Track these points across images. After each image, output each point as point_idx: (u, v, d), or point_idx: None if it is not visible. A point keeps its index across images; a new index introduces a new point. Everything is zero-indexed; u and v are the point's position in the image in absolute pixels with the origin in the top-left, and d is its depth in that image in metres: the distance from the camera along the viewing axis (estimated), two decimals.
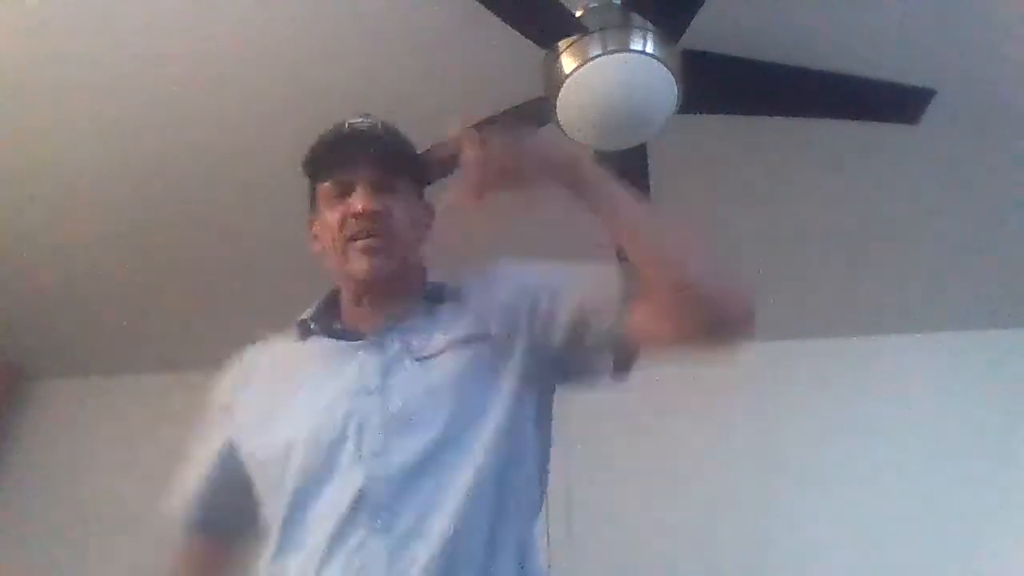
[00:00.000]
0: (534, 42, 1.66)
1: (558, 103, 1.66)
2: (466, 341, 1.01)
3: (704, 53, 1.68)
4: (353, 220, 1.06)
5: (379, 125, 1.16)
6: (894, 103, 1.77)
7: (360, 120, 1.16)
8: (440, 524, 0.87)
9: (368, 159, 1.10)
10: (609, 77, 1.61)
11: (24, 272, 2.83)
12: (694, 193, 2.36)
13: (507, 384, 0.99)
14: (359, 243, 1.06)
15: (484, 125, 1.82)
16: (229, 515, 1.10)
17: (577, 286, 1.04)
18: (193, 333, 3.18)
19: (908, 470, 2.69)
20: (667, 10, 1.59)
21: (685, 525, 2.65)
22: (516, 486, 0.95)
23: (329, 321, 1.12)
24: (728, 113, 1.87)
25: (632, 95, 1.63)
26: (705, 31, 1.65)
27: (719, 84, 1.72)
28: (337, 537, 0.89)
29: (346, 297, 1.13)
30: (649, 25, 1.60)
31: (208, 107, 2.10)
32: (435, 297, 1.10)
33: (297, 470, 0.95)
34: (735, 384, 2.94)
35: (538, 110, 1.74)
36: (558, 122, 1.70)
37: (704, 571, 2.59)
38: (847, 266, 2.66)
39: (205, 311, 3.03)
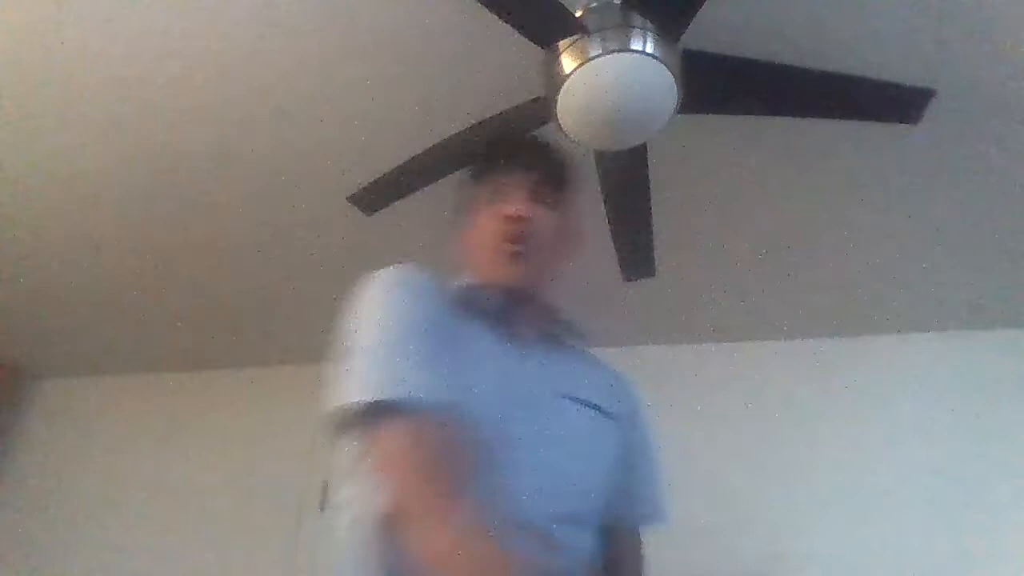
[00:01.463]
0: (534, 42, 1.65)
1: (558, 103, 1.65)
2: (603, 411, 1.10)
3: (704, 53, 1.68)
4: (506, 223, 1.10)
5: (541, 140, 1.21)
6: (894, 103, 1.76)
7: (525, 135, 1.22)
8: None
9: (530, 166, 1.14)
10: (609, 77, 1.60)
11: (24, 272, 2.83)
12: (694, 193, 2.36)
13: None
14: (505, 247, 1.09)
15: (484, 125, 1.83)
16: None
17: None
18: (193, 333, 3.19)
19: (907, 470, 2.69)
20: (667, 10, 1.59)
21: (685, 525, 2.65)
22: None
23: (482, 308, 1.10)
24: (728, 113, 1.87)
25: (632, 95, 1.63)
26: (705, 31, 1.65)
27: (719, 84, 1.72)
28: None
29: (495, 293, 1.11)
30: (649, 25, 1.60)
31: (208, 107, 2.11)
32: (570, 329, 1.17)
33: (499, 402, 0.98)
34: (735, 384, 2.95)
35: (538, 110, 1.74)
36: (558, 122, 1.70)
37: (704, 570, 2.59)
38: (847, 266, 2.66)
39: (205, 311, 3.03)
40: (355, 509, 0.96)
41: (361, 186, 2.03)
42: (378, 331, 0.97)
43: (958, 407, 2.77)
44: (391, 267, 1.06)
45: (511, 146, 1.19)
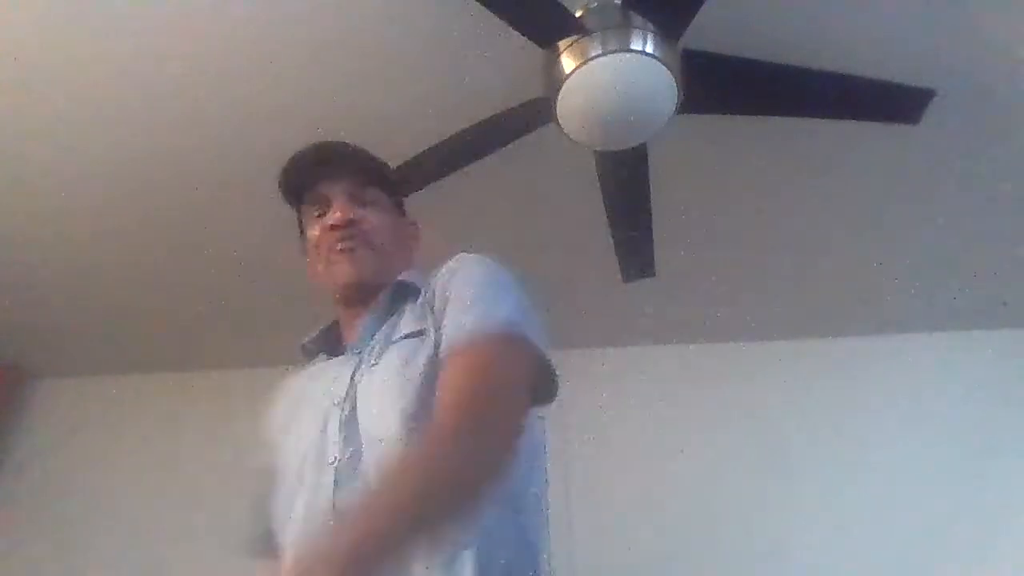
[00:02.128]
0: (534, 42, 1.66)
1: (558, 103, 1.66)
2: (405, 337, 1.00)
3: (704, 53, 1.68)
4: (332, 232, 1.10)
5: (345, 143, 1.17)
6: (894, 103, 1.77)
7: (324, 142, 1.18)
8: None
9: (338, 171, 1.13)
10: (609, 77, 1.61)
11: (24, 272, 2.83)
12: (694, 193, 2.36)
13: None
14: (334, 255, 1.09)
15: (484, 125, 1.83)
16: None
17: (463, 302, 0.99)
18: (193, 333, 3.19)
19: (907, 469, 2.69)
20: (667, 10, 1.59)
21: (684, 525, 2.65)
22: None
23: (330, 341, 1.15)
24: (728, 113, 1.87)
25: (632, 95, 1.63)
26: (705, 31, 1.65)
27: (719, 84, 1.72)
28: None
29: (341, 315, 1.15)
30: (649, 25, 1.60)
31: (208, 107, 2.10)
32: (399, 297, 1.09)
33: (283, 487, 0.99)
34: (735, 384, 2.95)
35: (538, 110, 1.74)
36: (558, 122, 1.70)
37: (703, 569, 2.59)
38: (847, 266, 2.66)
39: (205, 311, 3.03)
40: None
41: None
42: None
43: (958, 407, 2.77)
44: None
45: (315, 156, 1.16)
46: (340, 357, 1.08)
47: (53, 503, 3.23)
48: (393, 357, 0.98)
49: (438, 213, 2.44)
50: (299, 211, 1.19)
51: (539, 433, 1.03)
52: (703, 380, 2.96)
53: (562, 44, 1.62)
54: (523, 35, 1.62)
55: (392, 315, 1.07)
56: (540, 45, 1.66)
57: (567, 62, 1.61)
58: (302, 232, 1.19)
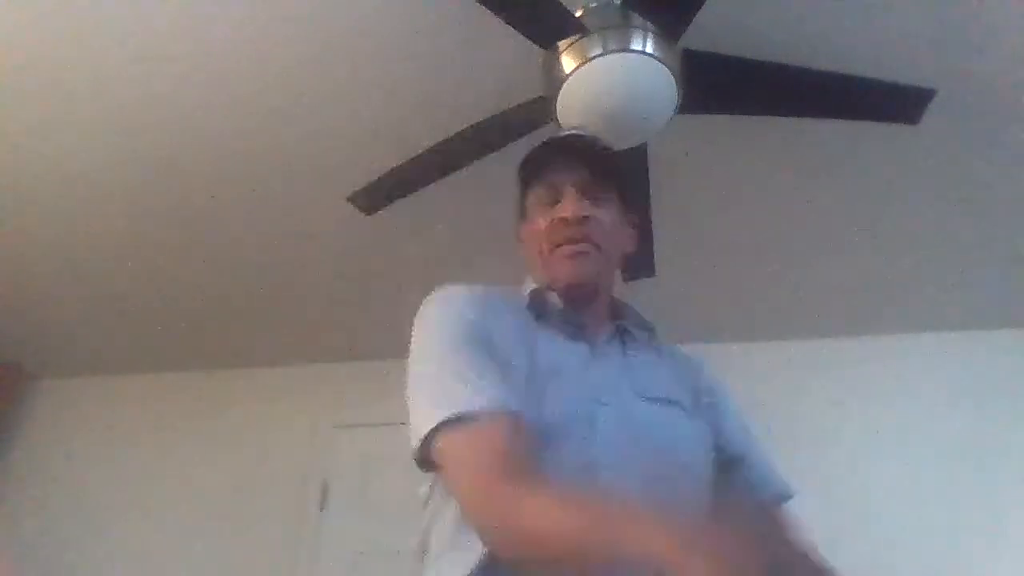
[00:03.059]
0: (534, 42, 1.66)
1: (558, 103, 1.65)
2: (681, 406, 1.06)
3: (704, 53, 1.68)
4: (561, 225, 1.08)
5: (591, 137, 1.17)
6: (894, 103, 1.77)
7: (573, 131, 1.18)
8: None
9: (578, 165, 1.11)
10: (609, 77, 1.61)
11: (24, 272, 2.83)
12: (694, 193, 2.36)
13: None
14: (565, 248, 1.08)
15: (484, 125, 1.83)
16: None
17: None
18: (193, 333, 3.19)
19: (907, 469, 2.69)
20: (667, 10, 1.59)
21: None
22: None
23: (550, 312, 1.08)
24: (728, 113, 1.87)
25: (632, 95, 1.63)
26: (705, 31, 1.65)
27: (719, 84, 1.72)
28: None
29: (556, 297, 1.11)
30: (649, 25, 1.60)
31: (208, 107, 2.10)
32: (638, 325, 1.16)
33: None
34: (735, 384, 2.95)
35: (538, 110, 1.74)
36: (558, 122, 1.70)
37: None
38: (847, 266, 2.66)
39: (205, 312, 3.03)
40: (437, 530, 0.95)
41: (361, 186, 2.03)
42: (425, 356, 0.98)
43: (958, 407, 2.77)
44: (437, 291, 1.07)
45: (559, 144, 1.16)
46: (587, 347, 1.05)
47: (53, 503, 3.23)
48: (678, 420, 1.04)
49: (438, 213, 2.45)
50: (525, 194, 1.19)
51: None
52: None
53: (562, 44, 1.62)
54: (523, 35, 1.62)
55: (636, 343, 1.12)
56: (540, 45, 1.66)
57: (567, 62, 1.61)
58: (522, 213, 1.20)
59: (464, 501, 0.87)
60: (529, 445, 0.87)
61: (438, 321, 1.00)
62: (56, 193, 2.43)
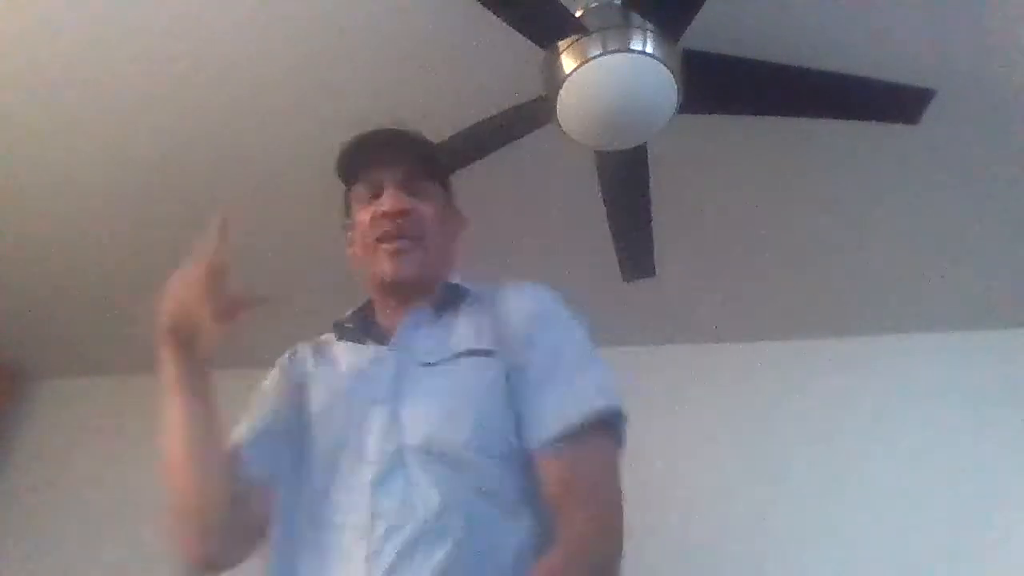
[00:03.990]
0: (534, 42, 1.66)
1: (558, 103, 1.66)
2: (472, 353, 1.00)
3: (704, 53, 1.68)
4: (383, 220, 1.08)
5: (406, 130, 1.18)
6: (894, 103, 1.77)
7: (388, 127, 1.17)
8: (456, 524, 0.87)
9: (396, 158, 1.12)
10: (609, 77, 1.61)
11: (24, 272, 2.83)
12: (694, 193, 2.36)
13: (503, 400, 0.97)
14: (387, 245, 1.07)
15: (484, 125, 1.83)
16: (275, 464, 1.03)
17: (556, 374, 0.98)
18: None
19: (907, 470, 2.68)
20: (667, 10, 1.59)
21: (682, 524, 2.65)
22: (515, 496, 0.93)
23: (364, 324, 1.12)
24: (728, 113, 1.87)
25: (632, 95, 1.63)
26: (705, 31, 1.65)
27: (719, 84, 1.72)
28: (353, 543, 0.89)
29: (377, 301, 1.13)
30: (649, 25, 1.60)
31: (208, 107, 2.10)
32: (449, 299, 1.09)
33: (314, 470, 0.97)
34: (735, 384, 2.95)
35: (538, 110, 1.74)
36: (558, 122, 1.71)
37: (701, 569, 2.59)
38: (847, 266, 2.66)
39: None
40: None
41: None
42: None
43: (958, 407, 2.77)
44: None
45: (376, 140, 1.15)
46: (376, 347, 1.06)
47: (53, 503, 3.23)
48: (466, 369, 0.98)
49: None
50: (348, 192, 1.17)
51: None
52: (703, 380, 2.96)
53: (562, 44, 1.62)
54: (523, 35, 1.62)
55: (441, 317, 1.06)
56: (540, 45, 1.66)
57: (567, 62, 1.61)
58: (347, 212, 1.18)
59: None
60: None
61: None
62: (56, 193, 2.43)
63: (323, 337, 1.17)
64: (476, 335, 1.02)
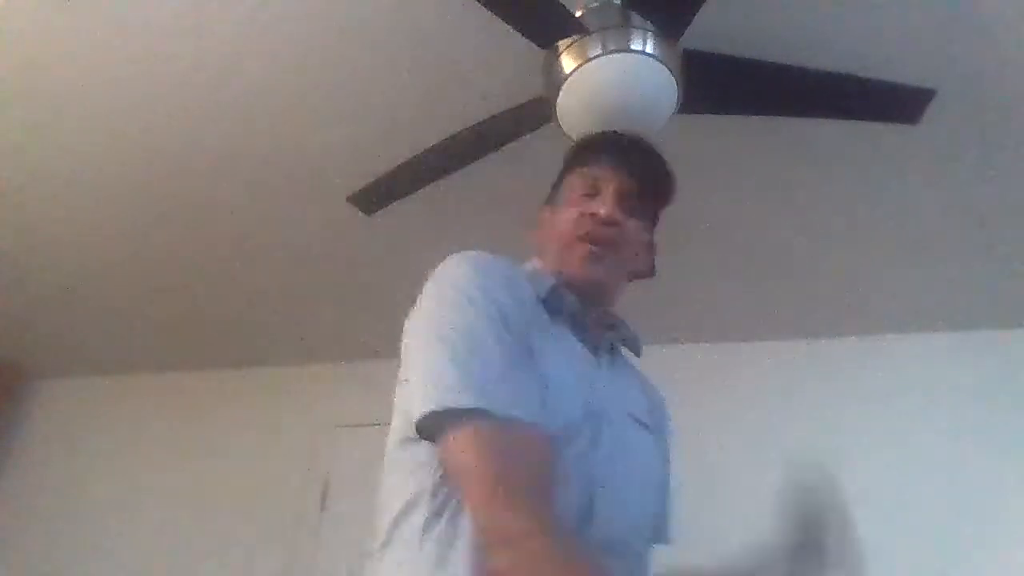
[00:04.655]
0: (534, 42, 1.66)
1: (558, 103, 1.66)
2: (652, 431, 1.06)
3: (704, 53, 1.68)
4: (591, 220, 1.05)
5: (654, 148, 1.13)
6: (894, 103, 1.77)
7: (641, 138, 1.14)
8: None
9: (629, 169, 1.08)
10: (609, 77, 1.61)
11: (24, 272, 2.83)
12: (694, 193, 2.36)
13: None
14: (585, 246, 1.04)
15: (484, 125, 1.83)
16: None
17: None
18: (193, 333, 3.19)
19: (907, 470, 2.69)
20: (667, 10, 1.59)
21: (682, 524, 2.65)
22: None
23: (560, 306, 1.02)
24: (728, 113, 1.87)
25: (632, 95, 1.63)
26: (705, 31, 1.65)
27: (719, 84, 1.72)
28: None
29: (565, 290, 1.04)
30: (649, 25, 1.60)
31: (208, 108, 2.11)
32: (631, 344, 1.14)
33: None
34: (734, 384, 2.95)
35: (538, 110, 1.74)
36: (558, 122, 1.70)
37: (701, 569, 2.59)
38: (847, 266, 2.66)
39: (205, 312, 3.03)
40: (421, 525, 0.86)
41: (361, 186, 2.03)
42: (458, 323, 0.87)
43: (958, 407, 2.77)
44: (471, 252, 0.97)
45: (619, 144, 1.13)
46: (585, 352, 1.01)
47: (53, 502, 3.23)
48: (652, 446, 1.05)
49: (438, 213, 2.45)
50: (563, 179, 1.15)
51: None
52: (703, 380, 2.96)
53: (562, 44, 1.62)
54: (523, 35, 1.62)
55: (616, 344, 1.12)
56: (540, 45, 1.66)
57: (567, 62, 1.61)
58: (555, 192, 1.15)
59: (482, 507, 0.80)
60: (553, 471, 0.82)
61: (473, 291, 0.89)
62: (56, 193, 2.43)
63: (529, 274, 1.04)
64: (659, 418, 1.16)
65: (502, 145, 1.86)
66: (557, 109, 1.67)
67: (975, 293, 2.74)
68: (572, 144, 1.14)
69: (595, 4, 1.67)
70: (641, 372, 1.17)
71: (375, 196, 2.04)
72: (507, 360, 0.85)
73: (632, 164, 1.09)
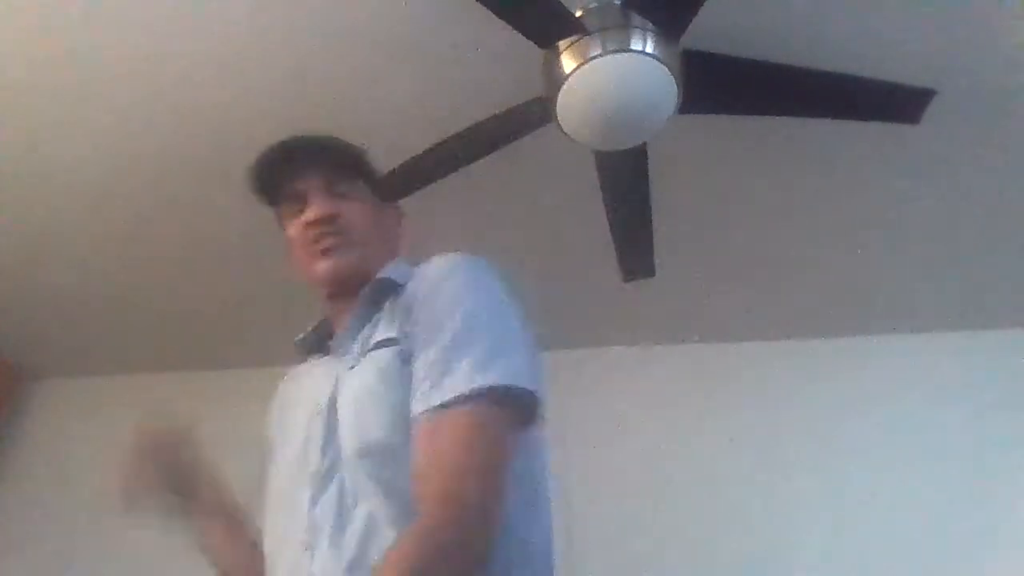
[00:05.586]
0: (534, 42, 1.66)
1: (558, 103, 1.66)
2: (379, 344, 0.96)
3: (704, 53, 1.68)
4: (310, 229, 1.06)
5: (315, 136, 1.13)
6: (894, 103, 1.77)
7: (294, 136, 1.12)
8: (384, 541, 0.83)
9: (310, 165, 1.09)
10: (609, 77, 1.61)
11: (24, 272, 2.83)
12: (694, 193, 2.36)
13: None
14: (317, 245, 1.06)
15: (484, 125, 1.83)
16: None
17: (443, 341, 0.89)
18: (193, 333, 3.19)
19: (907, 470, 2.69)
20: (667, 10, 1.59)
21: (683, 524, 2.65)
22: None
23: (322, 338, 1.12)
24: (728, 113, 1.87)
25: (632, 95, 1.63)
26: (705, 31, 1.65)
27: (719, 84, 1.72)
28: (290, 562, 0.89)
29: (327, 311, 1.12)
30: (649, 25, 1.60)
31: (208, 107, 2.11)
32: (380, 294, 1.04)
33: (269, 496, 1.00)
34: (735, 384, 2.95)
35: (538, 110, 1.74)
36: (558, 122, 1.70)
37: (701, 570, 2.59)
38: (847, 266, 2.66)
39: (205, 311, 3.03)
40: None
41: None
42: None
43: (958, 407, 2.77)
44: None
45: (286, 152, 1.10)
46: (326, 358, 1.06)
47: (53, 503, 3.23)
48: (370, 366, 0.93)
49: (438, 213, 2.45)
50: (277, 210, 1.16)
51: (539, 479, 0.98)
52: (703, 380, 2.96)
53: (562, 44, 1.62)
54: (523, 35, 1.62)
55: (376, 313, 1.02)
56: (540, 45, 1.66)
57: (567, 62, 1.61)
58: (283, 230, 1.16)
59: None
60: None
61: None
62: (56, 193, 2.43)
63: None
64: (387, 325, 0.97)
65: (502, 145, 1.86)
66: (557, 109, 1.67)
67: (975, 293, 2.74)
68: (252, 184, 1.14)
69: (595, 4, 1.67)
70: (417, 275, 1.01)
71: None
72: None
73: (304, 160, 1.09)
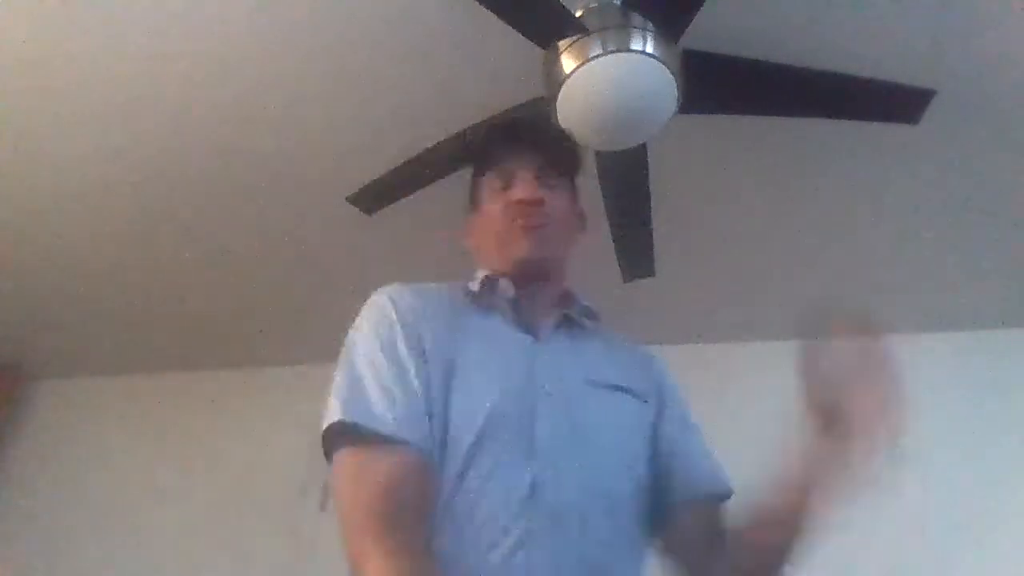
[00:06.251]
0: (534, 42, 1.66)
1: (558, 103, 1.65)
2: (632, 392, 1.06)
3: (704, 53, 1.68)
4: (516, 207, 1.08)
5: (541, 123, 1.19)
6: (894, 103, 1.77)
7: (524, 118, 1.18)
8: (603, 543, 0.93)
9: (532, 150, 1.12)
10: (609, 77, 1.61)
11: (24, 272, 2.83)
12: (694, 193, 2.36)
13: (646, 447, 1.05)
14: (521, 227, 1.07)
15: (484, 125, 1.83)
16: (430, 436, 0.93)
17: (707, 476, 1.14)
18: (193, 333, 3.19)
19: (906, 470, 2.68)
20: (667, 10, 1.59)
21: None
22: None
23: (493, 300, 1.07)
24: (728, 113, 1.87)
25: (632, 95, 1.63)
26: (705, 31, 1.65)
27: (719, 84, 1.72)
28: (507, 526, 0.87)
29: (505, 284, 1.08)
30: (649, 25, 1.60)
31: (208, 107, 2.11)
32: (584, 313, 1.13)
33: (475, 441, 0.91)
34: (735, 384, 2.95)
35: (538, 110, 1.74)
36: (558, 122, 1.70)
37: None
38: (846, 266, 2.66)
39: (205, 312, 3.03)
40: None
41: (361, 186, 2.03)
42: (357, 354, 0.98)
43: (959, 407, 2.77)
44: (382, 288, 1.06)
45: (512, 132, 1.17)
46: (529, 337, 1.03)
47: (53, 503, 3.23)
48: (626, 403, 1.04)
49: (438, 213, 2.44)
50: (477, 181, 1.18)
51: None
52: (703, 380, 2.95)
53: (562, 44, 1.62)
54: (523, 35, 1.62)
55: (572, 330, 1.09)
56: (540, 45, 1.66)
57: (567, 62, 1.61)
58: (472, 201, 1.20)
59: (342, 525, 0.89)
60: (425, 489, 0.88)
61: (374, 323, 0.99)
62: (56, 193, 2.43)
63: (431, 291, 1.08)
64: (635, 377, 1.09)
65: None
66: (557, 109, 1.67)
67: (975, 293, 2.74)
68: (472, 147, 1.17)
69: (595, 4, 1.67)
70: (618, 337, 1.20)
71: (375, 196, 2.04)
72: (400, 384, 0.93)
73: (531, 144, 1.12)
